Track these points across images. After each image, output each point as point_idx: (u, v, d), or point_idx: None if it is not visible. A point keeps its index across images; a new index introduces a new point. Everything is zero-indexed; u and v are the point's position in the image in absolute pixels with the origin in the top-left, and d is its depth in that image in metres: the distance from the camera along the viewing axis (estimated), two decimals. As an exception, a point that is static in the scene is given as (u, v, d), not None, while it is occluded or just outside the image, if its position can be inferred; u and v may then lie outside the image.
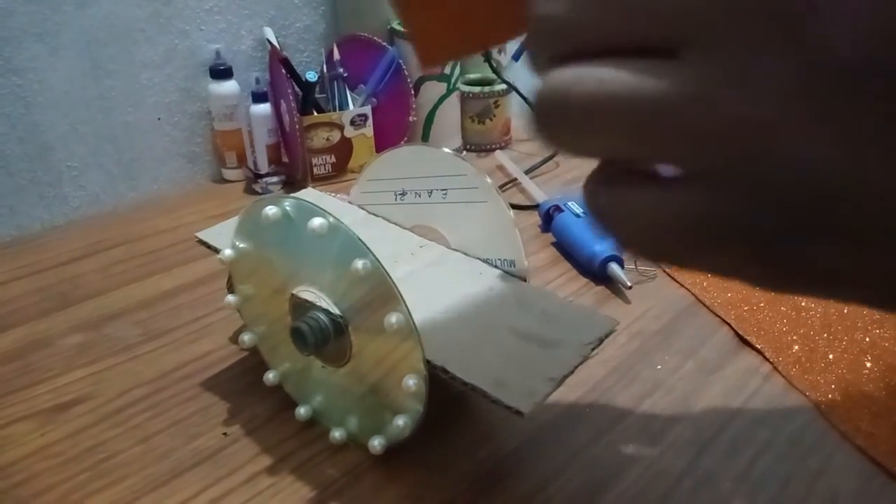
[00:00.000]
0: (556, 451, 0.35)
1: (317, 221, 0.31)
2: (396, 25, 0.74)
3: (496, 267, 0.41)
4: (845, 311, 0.47)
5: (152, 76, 0.68)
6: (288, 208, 0.33)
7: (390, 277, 0.30)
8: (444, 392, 0.32)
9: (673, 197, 0.15)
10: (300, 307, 0.35)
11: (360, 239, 0.31)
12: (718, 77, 0.13)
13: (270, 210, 0.33)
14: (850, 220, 0.14)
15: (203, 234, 0.43)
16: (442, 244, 0.43)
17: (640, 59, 0.14)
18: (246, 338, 0.38)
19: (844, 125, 0.13)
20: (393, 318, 0.30)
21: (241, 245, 0.36)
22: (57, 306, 0.50)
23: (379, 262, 0.31)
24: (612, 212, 0.17)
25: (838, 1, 0.12)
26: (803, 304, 0.48)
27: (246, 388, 0.41)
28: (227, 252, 0.37)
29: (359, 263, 0.31)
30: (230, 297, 0.38)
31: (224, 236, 0.40)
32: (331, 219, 0.31)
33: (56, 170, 0.65)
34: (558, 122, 0.16)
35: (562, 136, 0.16)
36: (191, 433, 0.37)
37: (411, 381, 0.31)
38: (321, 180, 0.72)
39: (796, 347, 0.43)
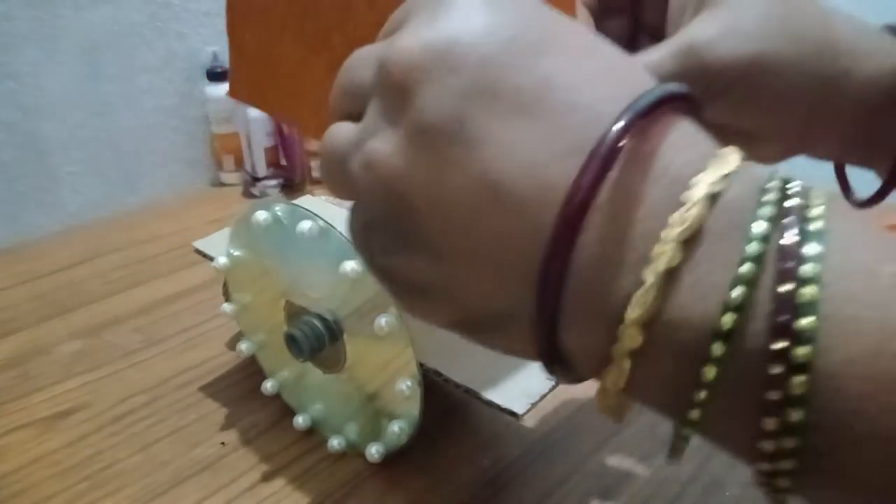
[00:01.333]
0: (562, 458, 0.35)
1: (306, 224, 0.31)
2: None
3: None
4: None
5: (150, 80, 0.68)
6: (279, 213, 0.33)
7: None
8: (447, 399, 0.32)
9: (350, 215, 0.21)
10: (295, 313, 0.34)
11: (350, 241, 0.30)
12: (361, 134, 0.19)
13: (261, 215, 0.33)
14: (433, 243, 0.18)
15: (200, 244, 0.42)
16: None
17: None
18: (244, 347, 0.38)
19: (419, 171, 0.17)
20: (383, 321, 0.30)
21: (236, 253, 0.36)
22: (56, 313, 0.50)
23: None
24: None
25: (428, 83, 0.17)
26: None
27: (245, 396, 0.40)
28: (222, 260, 0.36)
29: (348, 266, 0.30)
30: (226, 306, 0.38)
31: (222, 245, 0.39)
32: (321, 222, 0.31)
33: (54, 175, 0.64)
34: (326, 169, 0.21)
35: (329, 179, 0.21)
36: (190, 441, 0.37)
37: (405, 385, 0.31)
38: (320, 183, 0.72)
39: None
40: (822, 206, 0.15)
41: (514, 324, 0.18)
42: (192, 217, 0.66)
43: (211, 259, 0.40)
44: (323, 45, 0.29)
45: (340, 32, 0.29)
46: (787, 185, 0.16)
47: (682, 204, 0.15)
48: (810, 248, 0.14)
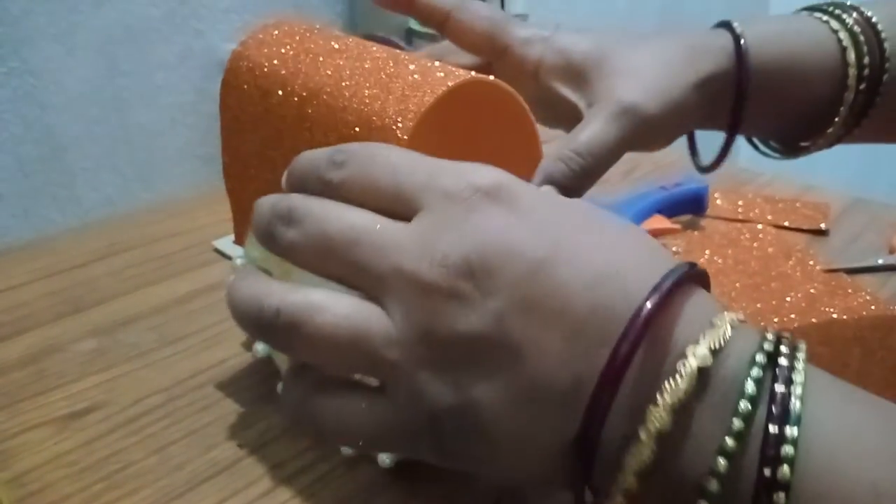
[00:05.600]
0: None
1: None
2: (414, 25, 0.73)
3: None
4: (880, 319, 0.46)
5: (167, 76, 0.68)
6: None
7: None
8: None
9: (361, 419, 0.22)
10: None
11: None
12: (385, 329, 0.21)
13: None
14: (488, 432, 0.20)
15: (219, 243, 0.42)
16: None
17: (353, 302, 0.21)
18: (259, 347, 0.37)
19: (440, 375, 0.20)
20: None
21: (254, 253, 0.36)
22: (71, 310, 0.50)
23: None
24: (313, 416, 0.23)
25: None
26: (835, 315, 0.46)
27: (261, 398, 0.40)
28: (239, 261, 0.36)
29: None
30: (246, 306, 0.37)
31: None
32: None
33: (70, 171, 0.64)
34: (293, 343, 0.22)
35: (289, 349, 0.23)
36: (206, 444, 0.37)
37: None
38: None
39: (827, 360, 0.42)
40: (801, 386, 0.18)
41: (552, 483, 0.21)
42: (208, 214, 0.65)
43: (230, 258, 0.39)
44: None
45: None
46: (777, 359, 0.19)
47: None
48: (789, 431, 0.18)
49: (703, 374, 0.18)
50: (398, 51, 0.33)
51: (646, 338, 0.19)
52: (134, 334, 0.47)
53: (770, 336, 0.20)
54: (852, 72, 0.33)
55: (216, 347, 0.45)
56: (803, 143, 0.37)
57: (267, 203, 0.24)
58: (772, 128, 0.37)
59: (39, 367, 0.43)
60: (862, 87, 0.33)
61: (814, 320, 0.46)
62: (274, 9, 0.72)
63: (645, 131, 0.32)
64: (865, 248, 0.56)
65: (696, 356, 0.18)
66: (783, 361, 0.19)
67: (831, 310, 0.47)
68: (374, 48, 0.33)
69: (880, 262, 0.53)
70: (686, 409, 0.18)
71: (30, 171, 0.62)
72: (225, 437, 0.37)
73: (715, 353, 0.19)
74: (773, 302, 0.48)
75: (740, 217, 0.60)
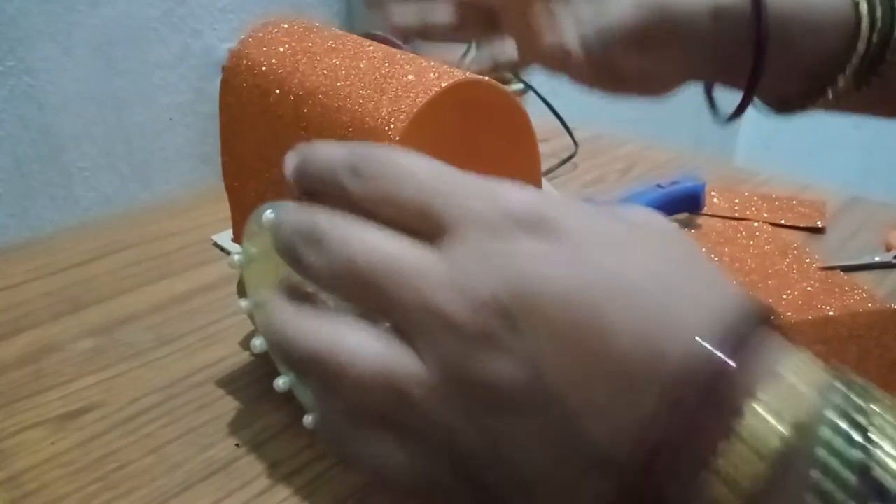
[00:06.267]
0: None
1: None
2: (411, 24, 0.73)
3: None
4: (877, 316, 0.46)
5: (165, 76, 0.68)
6: None
7: None
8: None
9: (396, 458, 0.21)
10: None
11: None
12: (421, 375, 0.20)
13: (272, 214, 0.32)
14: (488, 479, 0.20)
15: (218, 238, 0.42)
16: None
17: (406, 237, 0.20)
18: (257, 343, 0.37)
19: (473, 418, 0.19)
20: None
21: (252, 250, 0.36)
22: (68, 310, 0.50)
23: None
24: (342, 445, 0.23)
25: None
26: (832, 313, 0.46)
27: (259, 397, 0.40)
28: (237, 257, 0.36)
29: None
30: (243, 303, 0.37)
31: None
32: None
33: (68, 171, 0.64)
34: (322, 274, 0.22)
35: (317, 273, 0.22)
36: (203, 443, 0.37)
37: None
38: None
39: (823, 359, 0.42)
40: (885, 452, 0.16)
41: None
42: (205, 214, 0.65)
43: (228, 253, 0.39)
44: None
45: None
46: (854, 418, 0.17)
47: (753, 454, 0.17)
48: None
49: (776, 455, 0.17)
50: (395, 50, 0.33)
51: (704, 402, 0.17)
52: (131, 333, 0.47)
53: (840, 386, 0.18)
54: (865, 22, 0.33)
55: (214, 346, 0.45)
56: (802, 100, 0.37)
57: (289, 221, 0.23)
58: (778, 80, 0.37)
59: (36, 366, 0.43)
60: (874, 38, 0.34)
61: (810, 318, 0.46)
62: (271, 8, 0.72)
63: (664, 29, 0.33)
64: (862, 246, 0.56)
65: (776, 436, 0.17)
66: (861, 420, 0.17)
67: (828, 307, 0.47)
68: (371, 47, 0.33)
69: (877, 259, 0.53)
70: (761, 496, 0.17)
71: (27, 170, 0.62)
72: (222, 437, 0.37)
73: (778, 414, 0.17)
74: (770, 300, 0.48)
75: (737, 215, 0.60)
